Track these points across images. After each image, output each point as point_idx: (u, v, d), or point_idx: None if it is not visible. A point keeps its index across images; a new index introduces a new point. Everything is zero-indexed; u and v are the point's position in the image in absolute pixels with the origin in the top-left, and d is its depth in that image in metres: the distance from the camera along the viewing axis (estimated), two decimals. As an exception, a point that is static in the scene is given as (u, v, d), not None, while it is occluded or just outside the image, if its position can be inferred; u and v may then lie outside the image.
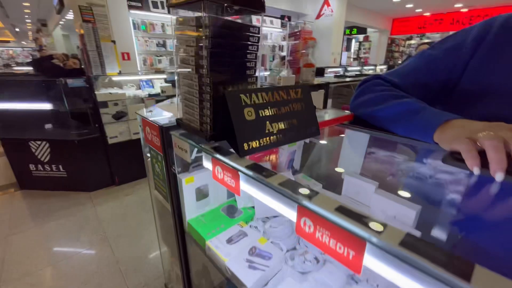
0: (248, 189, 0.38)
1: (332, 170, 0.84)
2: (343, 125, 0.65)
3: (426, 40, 9.24)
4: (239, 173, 0.39)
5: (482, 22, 0.57)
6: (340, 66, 6.78)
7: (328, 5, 6.70)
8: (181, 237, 0.71)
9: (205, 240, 0.61)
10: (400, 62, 9.25)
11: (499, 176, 0.34)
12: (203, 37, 0.42)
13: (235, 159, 0.42)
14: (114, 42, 2.76)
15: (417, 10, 9.08)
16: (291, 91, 0.51)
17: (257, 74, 0.53)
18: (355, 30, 10.14)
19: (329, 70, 5.58)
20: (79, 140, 2.55)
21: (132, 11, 4.13)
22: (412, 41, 10.72)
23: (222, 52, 0.45)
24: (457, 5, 8.26)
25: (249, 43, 0.48)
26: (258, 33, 0.49)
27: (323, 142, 0.88)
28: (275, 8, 6.37)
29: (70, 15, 6.56)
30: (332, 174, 0.83)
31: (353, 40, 10.62)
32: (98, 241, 2.02)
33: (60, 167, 2.67)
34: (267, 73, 1.91)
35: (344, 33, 9.86)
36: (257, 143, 0.44)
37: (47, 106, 2.65)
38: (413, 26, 10.12)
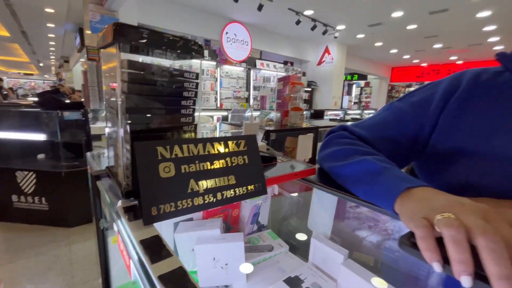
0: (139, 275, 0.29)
1: (302, 230, 0.73)
2: (304, 180, 0.57)
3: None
4: (132, 249, 0.30)
5: (450, 77, 0.52)
6: (341, 109, 6.92)
7: (329, 53, 7.13)
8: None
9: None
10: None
11: (465, 281, 0.24)
12: (121, 81, 0.37)
13: (138, 228, 0.33)
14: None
15: (414, 61, 9.57)
16: (231, 143, 0.44)
17: (196, 121, 0.47)
18: (356, 76, 10.62)
19: (329, 112, 5.67)
20: (66, 172, 2.49)
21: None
22: (412, 88, 11.09)
23: (145, 98, 0.40)
24: (452, 58, 8.70)
25: (184, 88, 0.44)
26: (196, 79, 0.45)
27: (294, 196, 0.79)
28: (279, 54, 6.79)
29: (88, 54, 7.08)
30: (297, 233, 0.72)
31: (354, 85, 11.06)
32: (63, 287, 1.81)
33: (43, 199, 2.56)
34: (257, 113, 1.90)
35: (346, 79, 10.33)
36: (173, 206, 0.36)
37: (41, 136, 2.66)
38: (412, 74, 10.58)
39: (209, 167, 0.41)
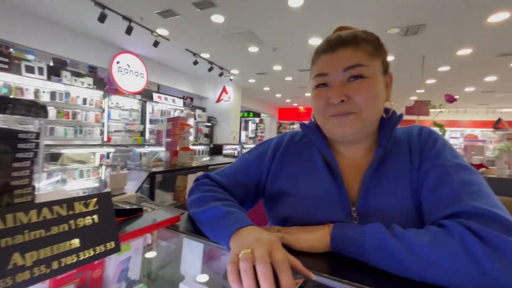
0: None
1: (178, 277, 0.74)
2: (168, 228, 0.61)
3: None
4: None
5: (279, 136, 0.72)
6: (239, 143, 7.49)
7: (226, 92, 7.78)
8: None
9: None
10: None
11: None
12: None
13: None
14: None
15: (294, 104, 11.81)
16: (78, 204, 0.43)
17: (36, 183, 0.44)
18: (251, 114, 11.92)
19: (228, 147, 6.03)
20: None
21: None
22: (295, 126, 13.43)
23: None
24: (319, 104, 11.28)
25: (17, 150, 0.41)
26: (36, 138, 0.43)
27: (170, 243, 0.80)
28: (178, 89, 6.83)
29: None
30: (174, 282, 0.73)
31: (250, 122, 12.33)
32: None
33: None
34: (148, 149, 1.81)
35: (243, 116, 11.41)
36: (-19, 291, 0.31)
37: None
38: (293, 115, 12.92)
39: (43, 235, 0.38)
